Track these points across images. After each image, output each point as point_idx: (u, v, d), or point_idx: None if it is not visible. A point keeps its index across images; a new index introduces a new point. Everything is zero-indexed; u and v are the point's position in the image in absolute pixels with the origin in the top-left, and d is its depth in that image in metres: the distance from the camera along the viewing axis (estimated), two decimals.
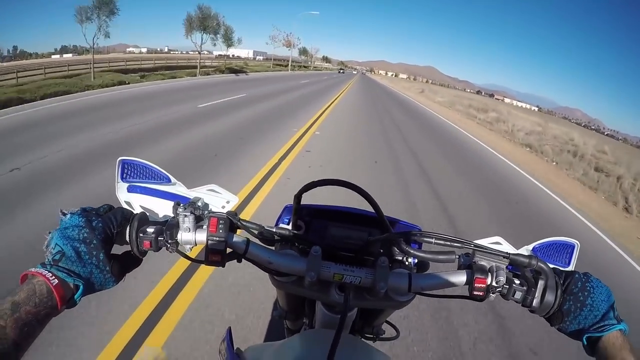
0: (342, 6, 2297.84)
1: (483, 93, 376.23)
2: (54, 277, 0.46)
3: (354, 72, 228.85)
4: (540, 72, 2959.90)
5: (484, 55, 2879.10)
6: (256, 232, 0.64)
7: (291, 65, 58.93)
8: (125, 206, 0.64)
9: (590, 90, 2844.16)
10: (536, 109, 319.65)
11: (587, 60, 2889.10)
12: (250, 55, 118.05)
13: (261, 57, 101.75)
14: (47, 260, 0.48)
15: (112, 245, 0.55)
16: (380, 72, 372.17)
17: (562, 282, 0.58)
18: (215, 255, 0.56)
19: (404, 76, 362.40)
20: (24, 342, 0.42)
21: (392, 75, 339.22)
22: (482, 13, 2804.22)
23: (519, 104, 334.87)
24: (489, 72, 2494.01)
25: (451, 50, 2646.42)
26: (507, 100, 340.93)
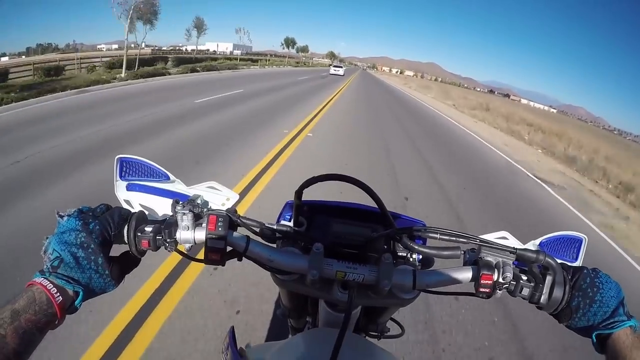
0: (343, 3, 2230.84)
1: (496, 92, 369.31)
2: (52, 285, 0.48)
3: (356, 67, 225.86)
4: (542, 69, 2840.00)
5: (486, 52, 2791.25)
6: (257, 229, 0.64)
7: (267, 60, 55.27)
8: (124, 205, 0.66)
9: (594, 88, 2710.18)
10: (554, 110, 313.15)
11: (590, 57, 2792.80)
12: (230, 49, 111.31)
13: (239, 52, 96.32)
14: (45, 267, 0.50)
15: (110, 248, 0.56)
16: (384, 68, 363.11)
17: (570, 277, 0.58)
18: (214, 253, 0.57)
19: (410, 73, 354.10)
20: (24, 350, 0.43)
21: (397, 72, 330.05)
22: (485, 9, 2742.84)
23: (534, 104, 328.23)
24: (491, 69, 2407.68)
25: (454, 47, 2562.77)
26: (523, 101, 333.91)
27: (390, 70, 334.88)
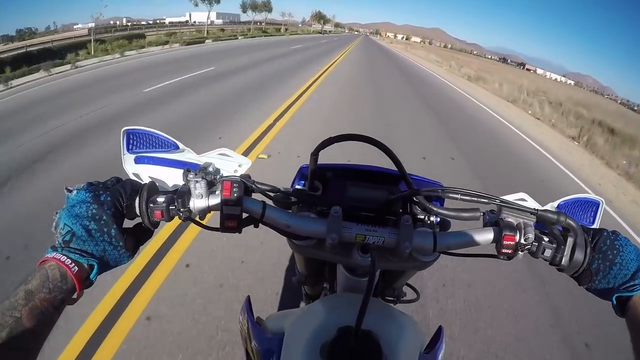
0: None
1: (509, 61, 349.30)
2: (67, 259, 0.47)
3: (356, 33, 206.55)
4: (548, 35, 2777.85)
5: (491, 17, 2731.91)
6: (272, 194, 0.65)
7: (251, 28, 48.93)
8: (133, 178, 0.64)
9: (603, 57, 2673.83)
10: (572, 83, 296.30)
11: (596, 24, 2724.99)
12: (213, 18, 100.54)
13: (221, 21, 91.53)
14: (57, 242, 0.49)
15: (123, 219, 0.55)
16: (388, 34, 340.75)
17: (590, 239, 0.58)
18: (231, 221, 0.57)
19: (417, 39, 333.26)
20: (42, 331, 0.43)
21: (403, 38, 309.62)
22: None
23: (551, 75, 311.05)
24: (497, 35, 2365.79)
25: (458, 12, 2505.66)
26: (539, 71, 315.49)
27: (395, 37, 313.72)
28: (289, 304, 2.18)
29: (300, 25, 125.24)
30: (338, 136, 0.59)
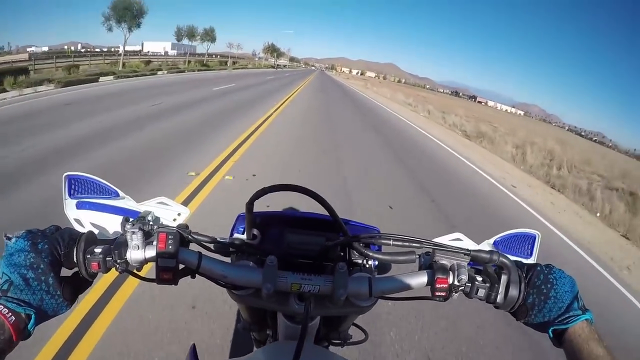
0: (300, 3, 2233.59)
1: (461, 94, 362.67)
2: (4, 308, 0.47)
3: (312, 68, 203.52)
4: (495, 68, 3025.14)
5: (442, 53, 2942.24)
6: (209, 245, 0.64)
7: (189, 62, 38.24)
8: (74, 224, 0.66)
9: (546, 86, 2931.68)
10: (522, 113, 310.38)
11: (540, 55, 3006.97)
12: (168, 49, 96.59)
13: (175, 52, 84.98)
14: None
15: (60, 268, 0.55)
16: (343, 69, 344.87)
17: (524, 275, 0.60)
18: (166, 273, 0.56)
19: (372, 74, 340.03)
20: None
21: (358, 73, 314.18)
22: (439, 10, 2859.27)
23: (502, 107, 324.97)
24: (447, 69, 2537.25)
25: (410, 47, 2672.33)
26: (490, 103, 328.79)
27: (350, 72, 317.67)
28: (239, 349, 2.10)
29: (256, 58, 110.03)
30: (272, 187, 0.60)
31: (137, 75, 19.45)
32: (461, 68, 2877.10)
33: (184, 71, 27.92)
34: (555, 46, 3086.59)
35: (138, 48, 56.54)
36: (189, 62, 39.26)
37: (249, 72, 42.91)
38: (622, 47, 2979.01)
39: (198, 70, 31.29)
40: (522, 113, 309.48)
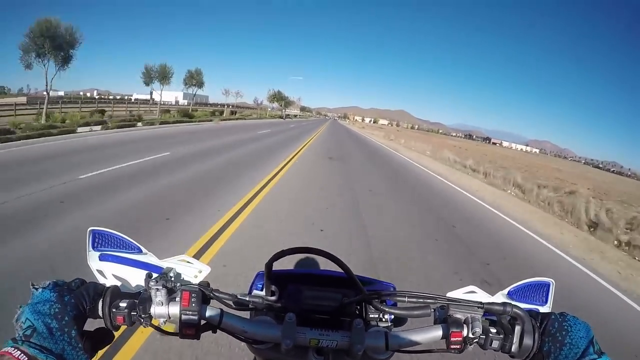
0: (313, 55, 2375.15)
1: (474, 137, 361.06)
2: (23, 354, 0.47)
3: (325, 117, 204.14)
4: (505, 108, 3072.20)
5: (452, 97, 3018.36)
6: (230, 302, 0.66)
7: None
8: (97, 275, 0.68)
9: (556, 120, 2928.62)
10: (537, 151, 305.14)
11: (548, 90, 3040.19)
12: (180, 98, 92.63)
13: (186, 101, 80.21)
14: (17, 335, 0.50)
15: (84, 322, 0.56)
16: (355, 118, 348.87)
17: (539, 324, 0.61)
18: (189, 329, 0.59)
19: (385, 122, 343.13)
20: None
21: (371, 121, 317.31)
22: (449, 56, 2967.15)
23: (517, 146, 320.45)
24: (458, 112, 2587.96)
25: (420, 94, 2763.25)
26: (504, 143, 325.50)
27: (362, 120, 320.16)
28: None
29: (269, 108, 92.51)
30: (290, 249, 0.63)
31: (105, 130, 13.64)
32: (470, 110, 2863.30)
33: (153, 123, 21.87)
34: (561, 79, 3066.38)
35: (148, 97, 52.84)
36: (168, 111, 31.54)
37: (245, 124, 33.61)
38: (628, 73, 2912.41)
39: (173, 123, 24.13)
40: (537, 151, 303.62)
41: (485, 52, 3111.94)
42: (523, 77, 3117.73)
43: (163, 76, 26.78)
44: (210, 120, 30.15)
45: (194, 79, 37.31)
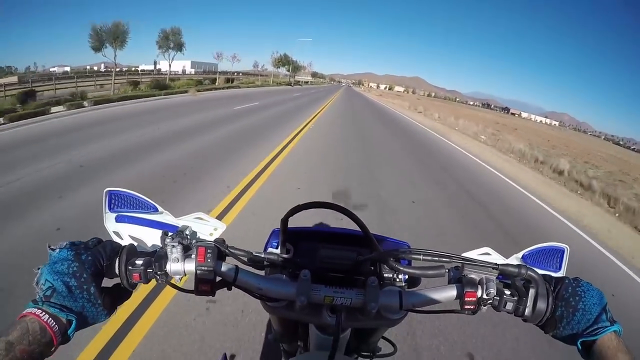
0: (326, 20, 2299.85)
1: (492, 106, 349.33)
2: (45, 313, 0.49)
3: (341, 84, 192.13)
4: (522, 77, 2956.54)
5: (468, 64, 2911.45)
6: (245, 258, 0.66)
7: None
8: (113, 236, 0.68)
9: (575, 92, 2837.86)
10: (556, 123, 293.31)
11: (568, 63, 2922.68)
12: (187, 68, 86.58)
13: (192, 71, 78.15)
14: (38, 296, 0.51)
15: (102, 279, 0.57)
16: (370, 84, 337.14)
17: (552, 288, 0.60)
18: (204, 284, 0.60)
19: (400, 89, 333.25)
20: None
21: (386, 88, 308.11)
22: (466, 22, 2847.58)
23: (535, 117, 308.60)
24: (473, 80, 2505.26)
25: (436, 60, 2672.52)
26: (523, 114, 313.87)
27: (377, 87, 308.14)
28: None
29: (279, 75, 78.28)
30: (306, 204, 0.62)
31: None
32: (487, 78, 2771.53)
33: (128, 96, 16.39)
34: (581, 50, 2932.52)
35: (159, 67, 47.13)
36: (137, 83, 22.95)
37: (235, 94, 25.14)
38: None
39: (119, 100, 15.26)
40: (556, 123, 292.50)
41: (502, 18, 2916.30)
42: (541, 45, 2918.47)
43: (115, 37, 20.24)
44: (186, 92, 22.47)
45: (170, 40, 29.09)
